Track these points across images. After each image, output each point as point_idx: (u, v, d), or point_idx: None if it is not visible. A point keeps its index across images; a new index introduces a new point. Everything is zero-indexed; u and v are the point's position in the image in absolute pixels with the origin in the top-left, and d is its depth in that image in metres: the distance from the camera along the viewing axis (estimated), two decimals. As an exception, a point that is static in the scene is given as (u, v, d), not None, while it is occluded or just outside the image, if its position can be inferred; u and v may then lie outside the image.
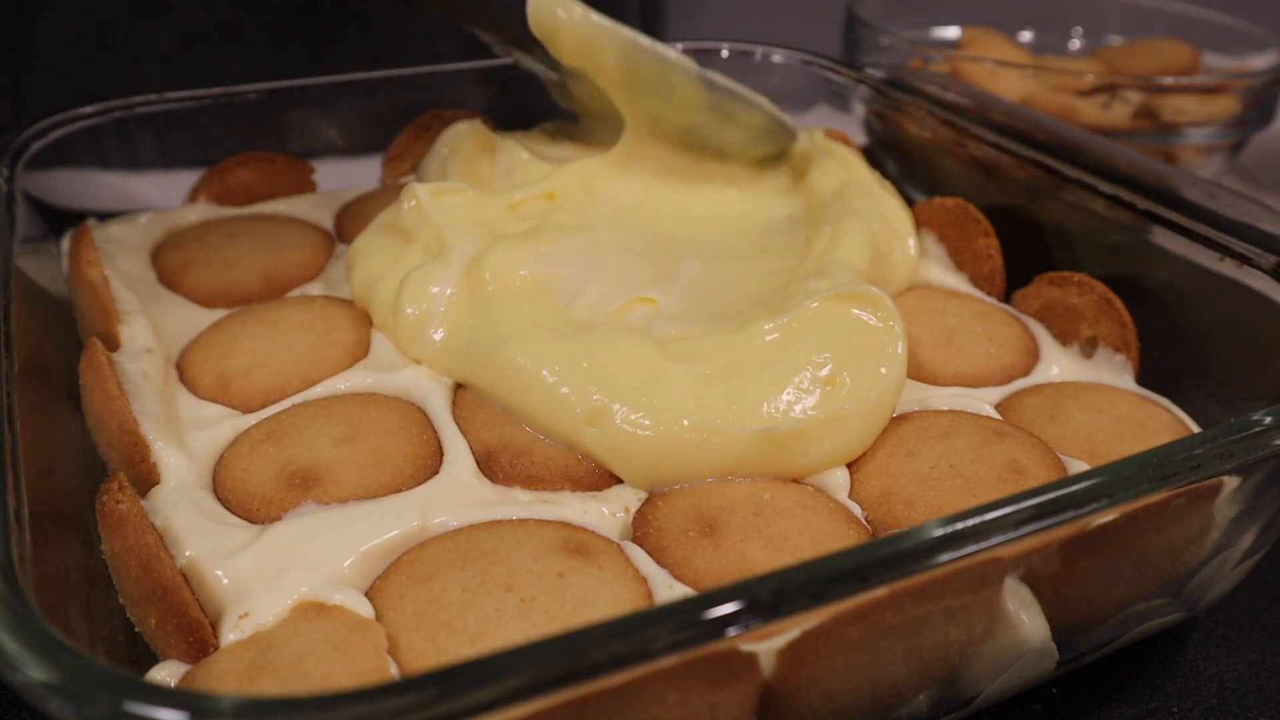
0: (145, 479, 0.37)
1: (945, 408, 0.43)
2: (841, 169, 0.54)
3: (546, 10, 0.48)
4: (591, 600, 0.33)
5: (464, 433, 0.40)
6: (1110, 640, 0.38)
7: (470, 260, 0.44)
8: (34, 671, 0.23)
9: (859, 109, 0.67)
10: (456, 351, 0.42)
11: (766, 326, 0.41)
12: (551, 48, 0.50)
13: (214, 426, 0.41)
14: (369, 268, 0.47)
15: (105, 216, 0.53)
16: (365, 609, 0.32)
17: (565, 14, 0.48)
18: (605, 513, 0.37)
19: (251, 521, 0.36)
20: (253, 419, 0.41)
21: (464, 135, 0.55)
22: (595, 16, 0.49)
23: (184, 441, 0.39)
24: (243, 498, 0.37)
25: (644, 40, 0.49)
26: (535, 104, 0.65)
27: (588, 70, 0.50)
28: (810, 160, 0.55)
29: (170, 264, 0.51)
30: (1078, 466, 0.40)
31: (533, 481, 0.39)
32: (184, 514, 0.35)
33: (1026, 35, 0.89)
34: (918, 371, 0.46)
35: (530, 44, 0.50)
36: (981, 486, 0.38)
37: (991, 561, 0.31)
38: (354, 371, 0.43)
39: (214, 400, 0.42)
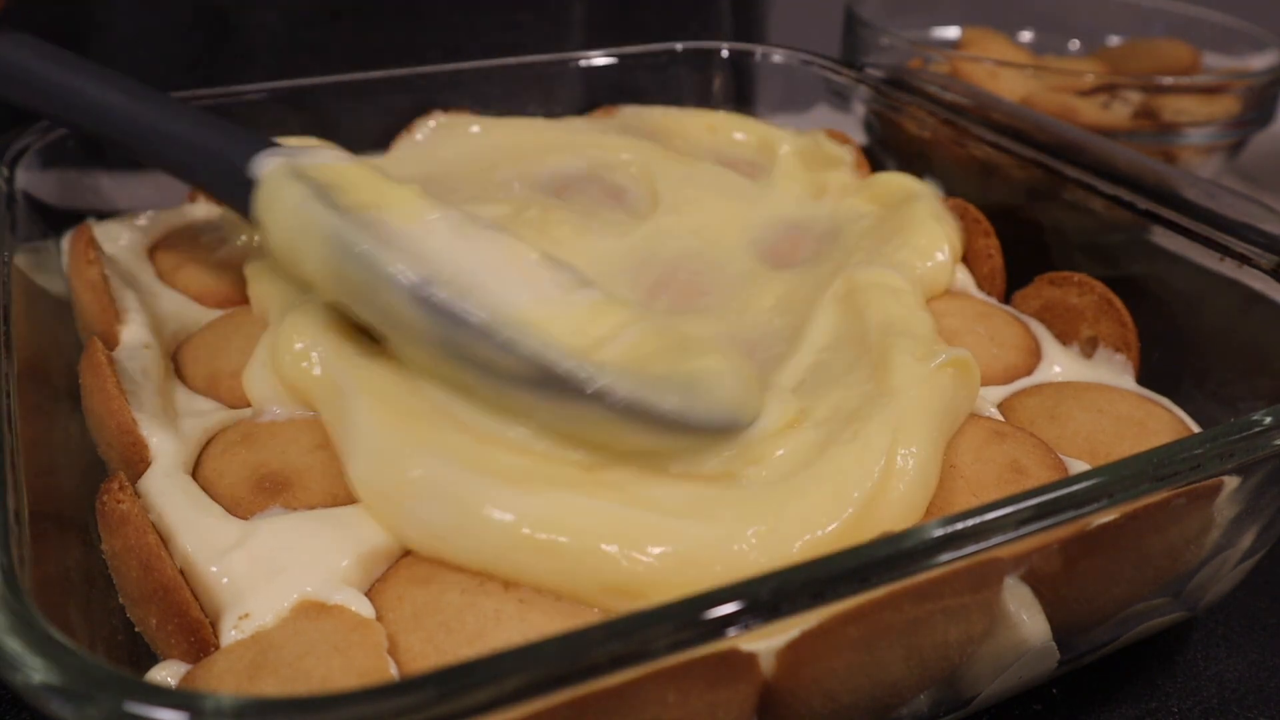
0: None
1: (945, 408, 0.43)
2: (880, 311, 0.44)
3: (262, 196, 0.39)
4: (591, 600, 0.33)
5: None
6: (1110, 640, 0.38)
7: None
8: (34, 672, 0.23)
9: (859, 109, 0.67)
10: None
11: None
12: (265, 243, 0.40)
13: (207, 416, 0.41)
14: None
15: (105, 216, 0.53)
16: (366, 609, 0.32)
17: (277, 196, 0.39)
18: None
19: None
20: (237, 415, 0.41)
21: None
22: (308, 213, 0.37)
23: (178, 430, 0.39)
24: (212, 498, 0.37)
25: (362, 234, 0.36)
26: (535, 104, 0.65)
27: (299, 277, 0.39)
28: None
29: (167, 263, 0.51)
30: (1078, 466, 0.40)
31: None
32: (177, 506, 0.35)
33: (1026, 35, 0.89)
34: (918, 371, 0.46)
35: None
36: (981, 486, 0.38)
37: (992, 561, 0.31)
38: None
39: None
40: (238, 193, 0.40)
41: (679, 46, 0.71)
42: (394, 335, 0.38)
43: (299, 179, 0.39)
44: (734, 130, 0.65)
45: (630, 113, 0.67)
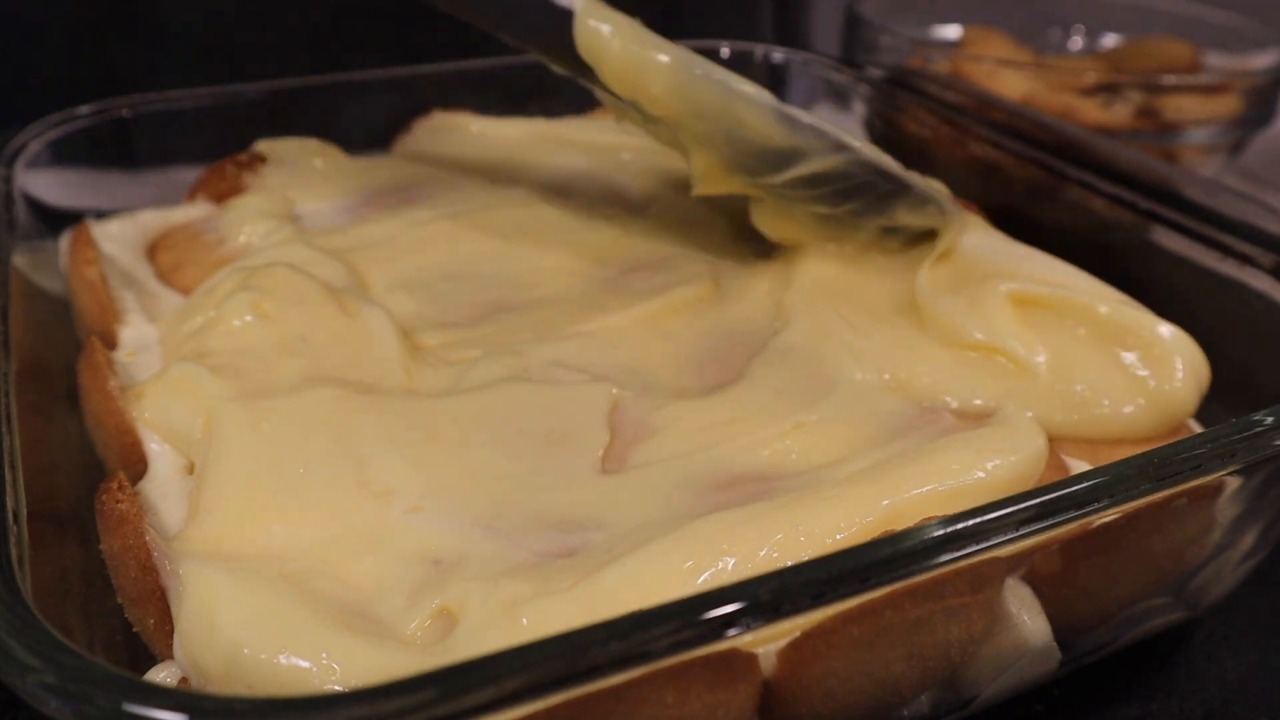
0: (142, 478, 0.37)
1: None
2: None
3: (593, 36, 0.43)
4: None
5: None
6: (1112, 640, 0.38)
7: None
8: (33, 672, 0.23)
9: (859, 108, 0.67)
10: None
11: None
12: (600, 75, 0.44)
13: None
14: None
15: (105, 216, 0.53)
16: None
17: (613, 38, 0.43)
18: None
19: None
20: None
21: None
22: (646, 45, 0.43)
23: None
24: None
25: (699, 67, 0.43)
26: (537, 104, 0.65)
27: (638, 102, 0.44)
28: None
29: (166, 263, 0.51)
30: (1078, 466, 0.40)
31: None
32: (176, 507, 0.35)
33: (1027, 34, 0.89)
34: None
35: (579, 68, 0.45)
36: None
37: (992, 562, 0.31)
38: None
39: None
40: (545, 28, 0.44)
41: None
42: (727, 150, 0.44)
43: (613, 23, 0.43)
44: None
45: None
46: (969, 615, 0.32)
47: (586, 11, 0.43)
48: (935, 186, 0.49)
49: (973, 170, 0.58)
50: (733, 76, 0.44)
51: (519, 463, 0.36)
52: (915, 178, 0.47)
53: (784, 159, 0.44)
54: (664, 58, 0.43)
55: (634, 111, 0.45)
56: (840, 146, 0.44)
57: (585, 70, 0.44)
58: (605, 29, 0.43)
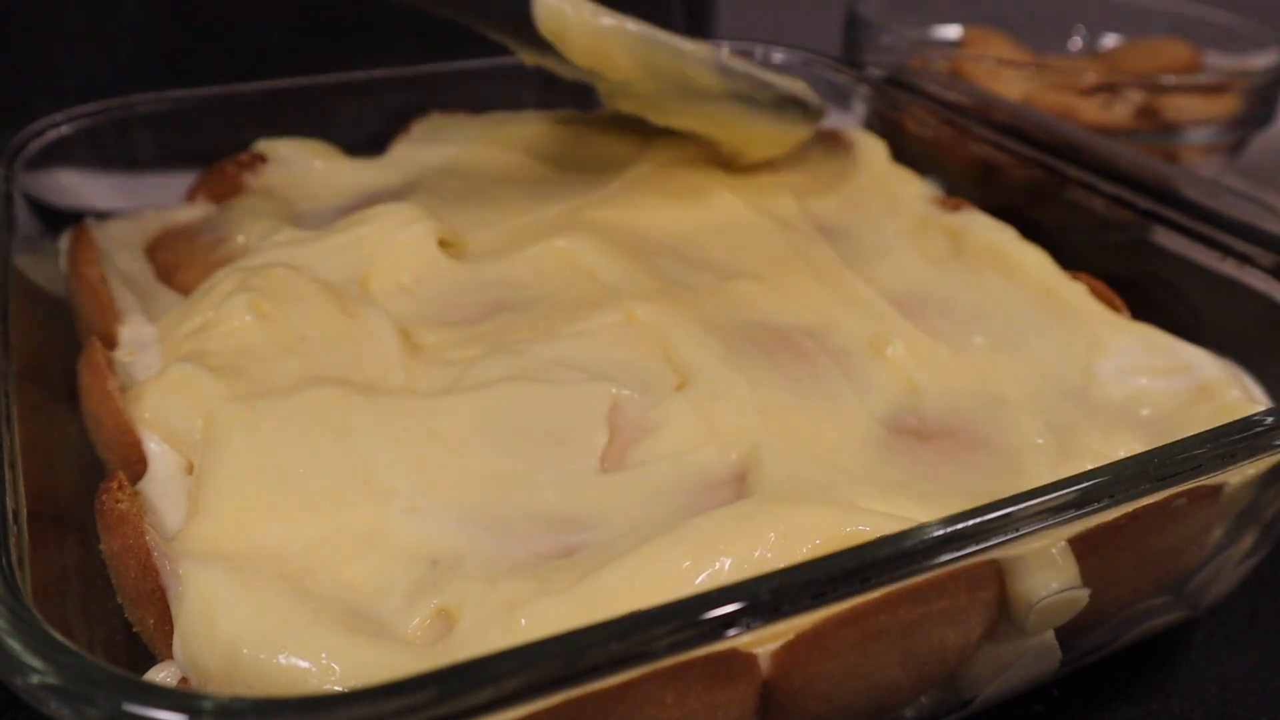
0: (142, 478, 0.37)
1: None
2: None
3: (556, 15, 0.47)
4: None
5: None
6: (1112, 640, 0.38)
7: None
8: (33, 672, 0.23)
9: (860, 108, 0.67)
10: None
11: None
12: (564, 51, 0.49)
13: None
14: None
15: (104, 216, 0.53)
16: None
17: (575, 16, 0.47)
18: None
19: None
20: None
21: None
22: (605, 18, 0.48)
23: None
24: None
25: (659, 34, 0.49)
26: (535, 105, 0.65)
27: (602, 71, 0.50)
28: None
29: (165, 263, 0.51)
30: (1079, 466, 0.40)
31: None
32: (176, 507, 0.35)
33: (1027, 35, 0.89)
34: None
35: (540, 45, 0.49)
36: (982, 486, 0.38)
37: (990, 564, 0.31)
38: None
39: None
40: (506, 12, 0.48)
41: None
42: (683, 102, 0.52)
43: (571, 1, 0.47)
44: None
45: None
46: (968, 615, 0.32)
47: (550, 9, 0.47)
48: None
49: (973, 170, 0.58)
50: (682, 40, 0.49)
51: (518, 462, 0.36)
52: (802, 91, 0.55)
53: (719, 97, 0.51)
54: (629, 28, 0.48)
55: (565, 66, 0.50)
56: (763, 85, 0.52)
57: (548, 47, 0.48)
58: (566, 8, 0.47)
